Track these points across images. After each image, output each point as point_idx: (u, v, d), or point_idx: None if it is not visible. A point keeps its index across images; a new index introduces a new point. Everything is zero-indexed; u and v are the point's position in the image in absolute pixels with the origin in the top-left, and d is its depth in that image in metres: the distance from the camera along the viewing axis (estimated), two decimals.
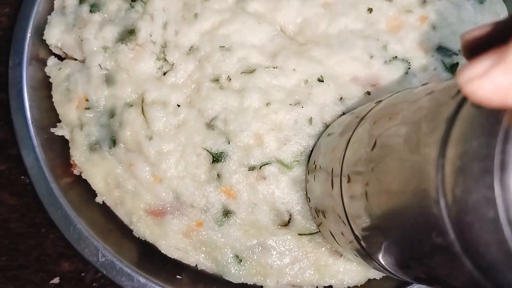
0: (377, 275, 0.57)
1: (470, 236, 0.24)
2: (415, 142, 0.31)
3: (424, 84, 0.44)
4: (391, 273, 0.41)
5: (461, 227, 0.25)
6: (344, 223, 0.44)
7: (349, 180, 0.41)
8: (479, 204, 0.23)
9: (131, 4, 0.62)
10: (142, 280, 0.55)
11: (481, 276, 0.26)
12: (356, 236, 0.42)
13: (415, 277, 0.36)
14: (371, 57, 0.60)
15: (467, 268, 0.26)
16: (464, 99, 0.28)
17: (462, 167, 0.25)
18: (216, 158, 0.57)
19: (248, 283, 0.57)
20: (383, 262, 0.40)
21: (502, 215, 0.22)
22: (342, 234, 0.46)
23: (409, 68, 0.60)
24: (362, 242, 0.42)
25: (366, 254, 0.42)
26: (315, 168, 0.54)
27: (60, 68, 0.62)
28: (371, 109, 0.44)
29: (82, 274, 0.61)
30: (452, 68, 0.60)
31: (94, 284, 0.61)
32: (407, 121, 0.34)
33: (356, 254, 0.46)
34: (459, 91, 0.28)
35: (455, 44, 0.62)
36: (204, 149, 0.57)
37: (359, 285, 0.57)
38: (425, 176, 0.28)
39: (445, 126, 0.27)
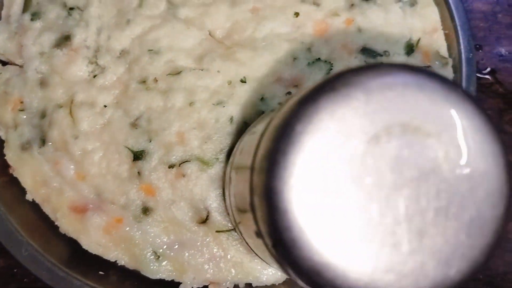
0: None
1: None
2: (254, 150, 0.35)
3: None
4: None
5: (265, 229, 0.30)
6: (234, 222, 0.46)
7: (230, 182, 0.45)
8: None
9: (69, 12, 0.66)
10: (61, 274, 0.56)
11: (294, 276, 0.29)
12: (241, 234, 0.44)
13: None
14: (295, 59, 0.61)
15: (285, 267, 0.29)
16: (273, 117, 0.31)
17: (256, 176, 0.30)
18: (137, 156, 0.58)
19: (166, 279, 0.57)
20: (260, 257, 0.42)
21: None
22: (239, 232, 0.48)
23: (331, 69, 0.61)
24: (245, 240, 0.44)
25: (254, 254, 0.44)
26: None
27: (0, 73, 0.66)
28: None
29: (15, 270, 0.63)
30: None
31: (25, 279, 0.63)
32: (256, 132, 0.38)
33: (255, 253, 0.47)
34: (273, 110, 0.33)
35: (380, 46, 0.63)
36: (126, 147, 0.59)
37: (276, 284, 0.57)
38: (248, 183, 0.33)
39: (258, 140, 0.32)
